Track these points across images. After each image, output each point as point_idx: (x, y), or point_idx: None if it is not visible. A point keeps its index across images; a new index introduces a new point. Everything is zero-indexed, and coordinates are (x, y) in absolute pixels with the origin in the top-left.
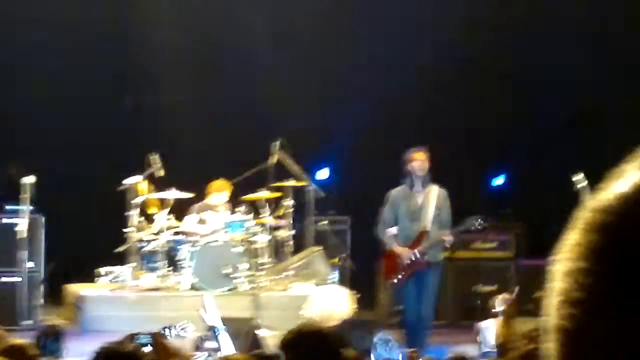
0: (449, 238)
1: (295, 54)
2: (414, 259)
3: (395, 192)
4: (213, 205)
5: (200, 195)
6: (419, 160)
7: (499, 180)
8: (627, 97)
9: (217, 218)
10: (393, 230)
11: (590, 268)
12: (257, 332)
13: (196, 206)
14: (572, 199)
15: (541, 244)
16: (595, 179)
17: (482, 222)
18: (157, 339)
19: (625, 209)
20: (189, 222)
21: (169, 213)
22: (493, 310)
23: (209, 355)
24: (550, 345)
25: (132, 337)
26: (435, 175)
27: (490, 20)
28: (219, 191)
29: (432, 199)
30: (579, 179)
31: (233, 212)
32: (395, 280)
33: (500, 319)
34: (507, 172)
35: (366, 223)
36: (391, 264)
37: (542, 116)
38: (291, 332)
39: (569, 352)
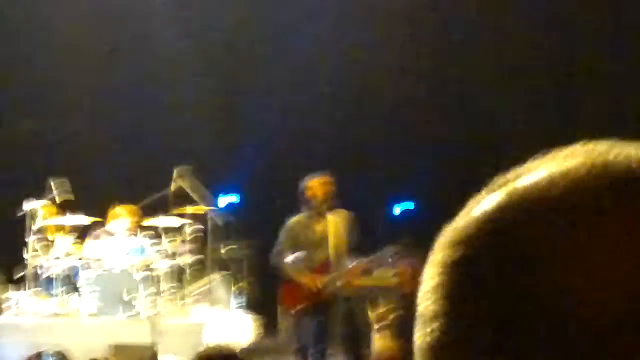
0: (360, 267)
1: (201, 78)
2: (320, 288)
3: (295, 221)
4: (112, 231)
5: (104, 221)
6: (320, 186)
7: (396, 210)
8: (530, 126)
9: (117, 244)
10: (291, 257)
11: (441, 282)
12: (157, 359)
13: (96, 232)
14: None
15: None
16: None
17: (397, 252)
18: (63, 356)
19: (474, 228)
20: (89, 248)
21: (71, 238)
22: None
23: None
24: None
25: (38, 355)
26: (337, 201)
27: (396, 43)
28: (117, 217)
29: (336, 225)
30: None
31: (134, 237)
32: (294, 312)
33: (376, 335)
34: (405, 200)
35: (268, 249)
36: (292, 294)
37: (445, 143)
38: (201, 354)
39: None
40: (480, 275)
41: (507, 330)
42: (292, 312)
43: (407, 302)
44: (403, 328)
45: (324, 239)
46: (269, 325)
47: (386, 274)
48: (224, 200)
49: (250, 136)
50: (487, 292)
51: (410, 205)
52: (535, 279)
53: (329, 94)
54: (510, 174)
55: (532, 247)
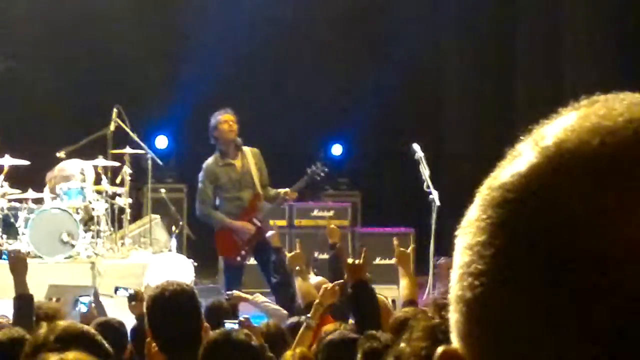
0: (292, 195)
1: (135, 18)
2: (257, 225)
3: (211, 164)
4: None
5: (37, 163)
6: (227, 123)
7: (336, 150)
8: (460, 74)
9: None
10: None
11: (490, 241)
12: (98, 299)
13: (52, 178)
14: (408, 169)
15: (376, 212)
16: (431, 150)
17: (322, 166)
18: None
19: (522, 186)
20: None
21: (4, 180)
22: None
23: None
24: (452, 316)
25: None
26: (273, 143)
27: None
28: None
29: (254, 159)
30: (415, 149)
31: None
32: (239, 258)
33: (297, 279)
34: (343, 142)
35: None
36: (229, 242)
37: (378, 86)
38: (157, 287)
39: (469, 321)
40: (525, 239)
41: (556, 293)
42: (237, 259)
43: (336, 250)
44: (334, 271)
45: (247, 175)
46: (204, 267)
47: (324, 214)
48: (159, 142)
49: (185, 77)
50: (536, 254)
51: (339, 147)
52: (584, 242)
53: (266, 36)
54: (542, 130)
55: (579, 207)
